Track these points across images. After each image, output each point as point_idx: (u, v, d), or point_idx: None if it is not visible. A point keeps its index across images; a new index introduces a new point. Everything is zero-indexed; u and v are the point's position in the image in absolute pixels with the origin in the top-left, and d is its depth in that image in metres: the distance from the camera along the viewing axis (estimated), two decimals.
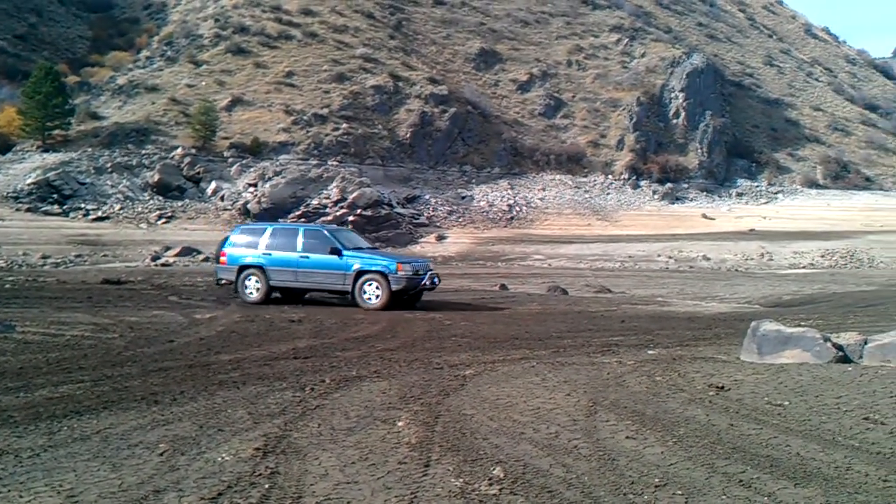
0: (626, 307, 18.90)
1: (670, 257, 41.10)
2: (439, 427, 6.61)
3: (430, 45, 69.22)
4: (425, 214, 50.78)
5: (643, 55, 76.12)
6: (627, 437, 6.31)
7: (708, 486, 5.26)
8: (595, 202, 59.71)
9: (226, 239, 19.38)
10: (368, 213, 45.88)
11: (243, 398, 7.77)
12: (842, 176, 72.54)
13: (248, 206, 45.04)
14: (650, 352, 11.31)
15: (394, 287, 17.21)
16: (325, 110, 55.17)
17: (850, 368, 9.12)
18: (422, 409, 7.26)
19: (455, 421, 6.82)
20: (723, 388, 8.15)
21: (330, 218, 44.41)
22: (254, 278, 18.22)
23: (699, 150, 69.63)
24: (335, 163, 51.31)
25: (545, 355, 10.87)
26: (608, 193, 61.77)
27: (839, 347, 9.76)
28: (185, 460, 5.75)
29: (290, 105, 54.72)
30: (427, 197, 53.42)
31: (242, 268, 18.31)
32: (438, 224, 50.04)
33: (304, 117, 54.07)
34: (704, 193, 65.92)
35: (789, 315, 17.09)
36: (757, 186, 69.34)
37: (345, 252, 17.75)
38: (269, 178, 47.30)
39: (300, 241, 18.19)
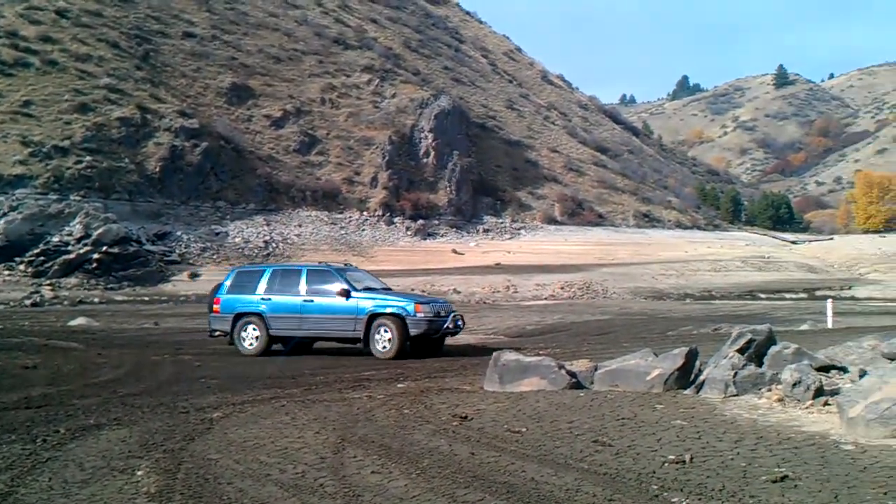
0: None
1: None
2: (182, 474, 6.39)
3: (180, 77, 67.00)
4: (177, 251, 48.86)
5: (394, 96, 78.09)
6: (373, 472, 6.39)
7: None
8: (351, 238, 60.28)
9: (220, 285, 17.27)
10: (115, 250, 43.38)
11: None
12: (577, 213, 78.40)
13: None
14: (399, 385, 11.56)
15: (412, 331, 15.35)
16: (67, 142, 51.73)
17: (582, 394, 9.75)
18: (164, 457, 6.99)
19: (199, 466, 6.62)
20: (466, 417, 8.43)
21: (73, 256, 41.66)
22: (252, 327, 16.23)
23: (448, 189, 72.38)
24: (78, 197, 48.16)
25: (296, 393, 10.83)
26: (364, 230, 62.64)
27: (572, 374, 10.41)
28: None
29: (28, 136, 50.74)
30: (179, 233, 51.45)
31: (239, 316, 16.34)
32: (192, 261, 48.30)
33: (44, 149, 50.36)
34: (454, 230, 68.60)
35: (530, 345, 18.09)
36: (501, 223, 73.17)
37: (353, 293, 15.81)
38: (4, 214, 43.58)
39: (303, 282, 16.31)
